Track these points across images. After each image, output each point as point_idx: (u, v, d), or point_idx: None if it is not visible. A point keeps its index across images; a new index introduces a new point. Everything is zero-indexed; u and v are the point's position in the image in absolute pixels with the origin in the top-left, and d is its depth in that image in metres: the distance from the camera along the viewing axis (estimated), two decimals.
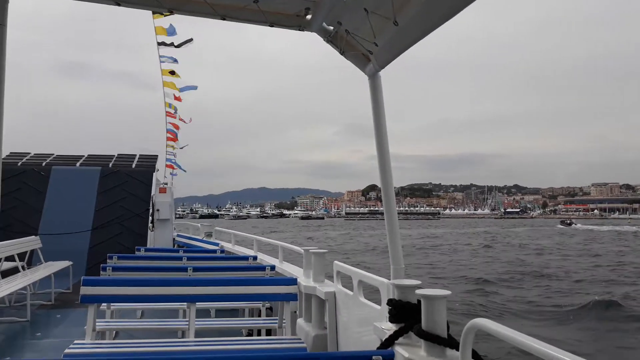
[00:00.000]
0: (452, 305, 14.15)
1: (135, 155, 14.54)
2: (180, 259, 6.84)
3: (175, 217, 16.45)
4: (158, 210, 12.98)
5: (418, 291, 2.71)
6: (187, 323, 4.54)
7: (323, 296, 4.57)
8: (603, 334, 12.62)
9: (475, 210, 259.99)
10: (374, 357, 2.46)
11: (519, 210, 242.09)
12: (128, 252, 8.53)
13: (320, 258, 5.11)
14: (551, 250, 39.29)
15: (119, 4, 2.87)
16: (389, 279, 3.42)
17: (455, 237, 60.09)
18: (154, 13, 14.44)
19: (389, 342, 2.80)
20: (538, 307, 15.84)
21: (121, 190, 12.59)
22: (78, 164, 13.29)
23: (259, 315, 6.10)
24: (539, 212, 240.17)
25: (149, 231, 12.51)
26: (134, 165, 13.53)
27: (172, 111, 17.53)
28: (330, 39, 3.34)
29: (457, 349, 2.37)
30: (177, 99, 17.30)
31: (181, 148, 18.67)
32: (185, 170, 19.16)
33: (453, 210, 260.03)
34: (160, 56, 16.15)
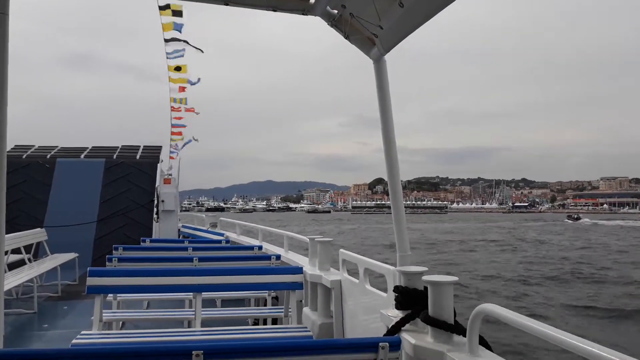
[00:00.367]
0: None
1: (140, 146, 14.55)
2: (185, 249, 6.84)
3: (182, 210, 16.44)
4: (163, 201, 12.98)
5: (425, 277, 2.71)
6: (194, 313, 4.55)
7: (329, 284, 4.55)
8: None
9: (483, 204, 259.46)
10: (380, 344, 2.41)
11: (527, 204, 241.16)
12: (133, 243, 8.55)
13: (326, 246, 5.08)
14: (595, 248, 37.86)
15: None
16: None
17: (481, 232, 58.41)
18: (160, 9, 14.46)
19: (396, 328, 2.80)
20: None
21: (126, 182, 12.62)
22: (82, 156, 13.34)
23: (265, 305, 6.11)
24: (547, 206, 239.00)
25: (154, 222, 12.55)
26: (138, 157, 13.55)
27: (177, 105, 17.49)
28: (334, 22, 3.28)
29: (464, 335, 2.36)
30: (182, 89, 17.24)
31: (195, 140, 18.50)
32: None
33: (461, 204, 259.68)
34: (167, 53, 16.14)
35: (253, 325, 5.85)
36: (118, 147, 14.42)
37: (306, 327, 4.59)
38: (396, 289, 2.99)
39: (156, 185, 12.97)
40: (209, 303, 5.92)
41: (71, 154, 13.45)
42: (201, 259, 5.72)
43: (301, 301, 5.18)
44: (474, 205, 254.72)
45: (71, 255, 8.98)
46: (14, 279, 6.74)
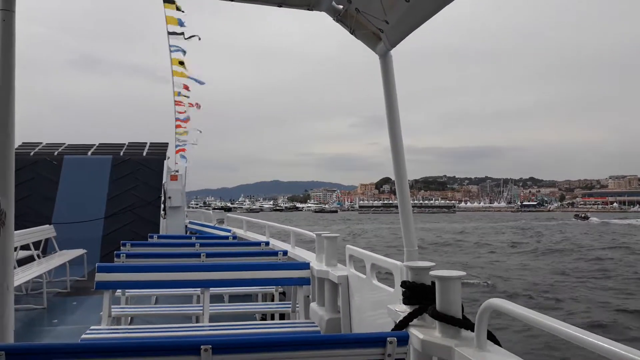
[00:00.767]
0: None
1: (146, 143, 14.62)
2: (193, 245, 6.86)
3: (188, 210, 16.48)
4: (170, 197, 13.02)
5: (432, 272, 2.69)
6: (201, 308, 4.56)
7: (336, 280, 4.55)
8: None
9: (490, 203, 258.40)
10: (388, 339, 2.39)
11: (536, 203, 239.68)
12: (141, 239, 8.60)
13: (333, 242, 5.09)
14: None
15: None
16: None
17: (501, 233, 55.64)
18: (165, 2, 14.50)
19: (403, 323, 2.78)
20: None
21: (133, 179, 12.68)
22: (89, 153, 13.43)
23: (272, 300, 6.13)
24: (556, 205, 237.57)
25: (161, 219, 12.60)
26: (144, 153, 13.63)
27: (181, 99, 17.57)
28: (340, 18, 3.25)
29: (472, 330, 2.34)
30: (186, 87, 17.35)
31: (199, 131, 18.54)
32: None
33: (469, 204, 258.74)
34: (170, 45, 16.22)
35: (260, 320, 5.87)
36: (125, 144, 14.49)
37: (314, 322, 4.59)
38: (403, 284, 2.97)
39: (163, 182, 13.02)
40: (216, 298, 5.92)
41: (78, 151, 13.53)
42: (209, 255, 5.72)
43: (308, 296, 5.19)
44: (482, 204, 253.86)
45: (79, 252, 9.04)
46: (24, 275, 6.79)
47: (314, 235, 5.52)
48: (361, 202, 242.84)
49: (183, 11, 15.27)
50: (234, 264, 4.96)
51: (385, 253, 4.72)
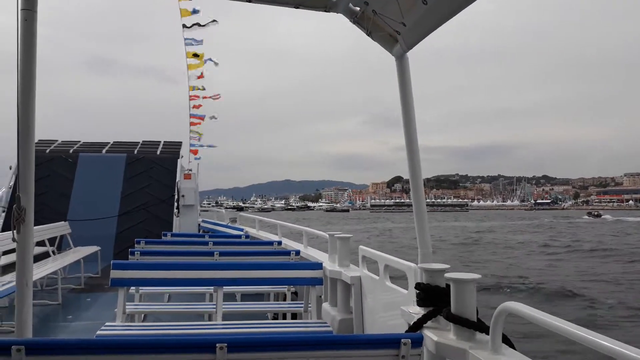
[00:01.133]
0: None
1: (160, 142, 14.75)
2: (206, 243, 6.88)
3: (202, 210, 16.52)
4: (183, 196, 13.09)
5: (447, 274, 2.68)
6: (214, 306, 4.57)
7: (349, 280, 4.53)
8: None
9: (504, 201, 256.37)
10: (403, 340, 2.38)
11: (549, 201, 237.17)
12: (154, 237, 8.60)
13: (345, 243, 5.06)
14: None
15: None
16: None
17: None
18: None
19: (418, 325, 2.76)
20: None
21: (146, 177, 12.78)
22: (104, 151, 13.57)
23: (284, 300, 6.11)
24: (570, 203, 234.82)
25: (174, 217, 12.66)
26: (158, 152, 13.74)
27: (197, 92, 17.52)
28: (357, 19, 3.25)
29: (487, 333, 2.33)
30: (201, 77, 17.27)
31: (211, 118, 18.39)
32: (215, 146, 18.94)
33: (481, 202, 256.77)
34: (185, 39, 16.24)
35: (272, 319, 5.87)
36: (139, 142, 14.62)
37: (326, 323, 4.58)
38: (418, 285, 2.95)
39: (176, 180, 13.09)
40: (228, 297, 5.91)
41: (93, 148, 13.68)
42: (222, 254, 5.73)
43: (321, 297, 5.15)
44: (494, 202, 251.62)
45: (94, 249, 9.12)
46: (39, 271, 6.86)
47: (327, 235, 5.49)
48: (373, 201, 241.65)
49: None
50: (246, 263, 4.96)
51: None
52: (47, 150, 12.97)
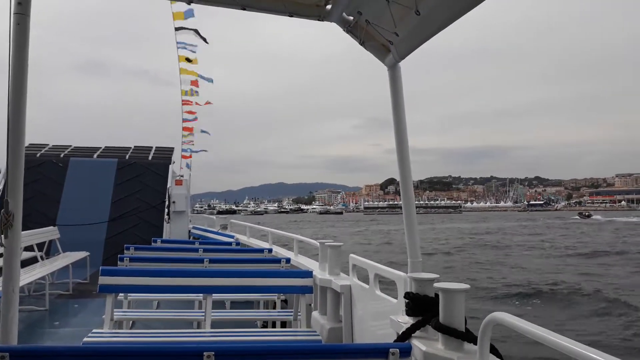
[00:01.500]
0: None
1: (152, 147, 14.67)
2: (196, 250, 6.84)
3: (194, 213, 16.46)
4: (174, 202, 13.05)
5: (437, 284, 2.69)
6: (203, 314, 4.55)
7: (339, 289, 4.52)
8: None
9: (497, 203, 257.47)
10: (391, 350, 2.36)
11: (542, 202, 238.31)
12: (144, 243, 8.56)
13: (336, 251, 5.05)
14: None
15: None
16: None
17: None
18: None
19: (406, 335, 2.78)
20: None
21: (137, 182, 12.72)
22: (95, 156, 13.46)
23: (274, 308, 6.09)
24: (563, 204, 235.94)
25: (164, 223, 12.59)
26: (150, 157, 13.66)
27: (189, 98, 17.42)
28: (350, 29, 3.28)
29: (475, 343, 2.35)
30: (194, 83, 17.17)
31: (202, 132, 18.39)
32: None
33: (475, 204, 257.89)
34: (177, 42, 16.11)
35: (262, 327, 5.85)
36: (131, 147, 14.53)
37: (315, 331, 4.56)
38: (407, 295, 2.96)
39: (168, 186, 13.03)
40: (218, 304, 5.90)
41: (84, 153, 13.57)
42: (212, 261, 5.71)
43: (310, 305, 5.15)
44: (488, 204, 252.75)
45: (82, 254, 9.04)
46: (27, 276, 6.78)
47: (318, 243, 5.47)
48: (366, 203, 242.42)
49: (189, 3, 15.18)
50: (237, 271, 4.94)
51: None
52: (38, 155, 12.86)
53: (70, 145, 14.17)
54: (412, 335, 2.77)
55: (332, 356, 2.38)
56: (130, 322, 5.51)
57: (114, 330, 4.34)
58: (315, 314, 4.99)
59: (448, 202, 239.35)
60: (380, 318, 3.72)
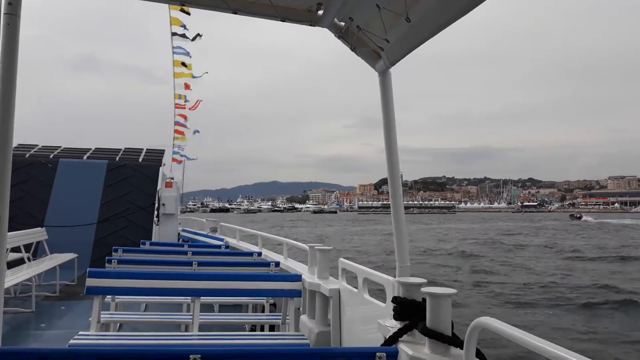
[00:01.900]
0: None
1: (142, 149, 14.63)
2: (185, 253, 6.86)
3: (186, 211, 16.40)
4: (164, 204, 13.00)
5: (423, 289, 2.71)
6: (191, 317, 4.55)
7: (327, 293, 4.52)
8: None
9: (490, 204, 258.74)
10: (377, 354, 2.45)
11: (536, 203, 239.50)
12: (133, 245, 8.60)
13: (325, 255, 5.05)
14: None
15: None
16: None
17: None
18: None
19: (393, 339, 2.79)
20: None
21: (127, 184, 12.63)
22: (85, 157, 13.36)
23: (263, 311, 6.09)
24: (557, 205, 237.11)
25: (154, 225, 12.56)
26: (140, 159, 13.58)
27: (182, 102, 17.50)
28: (341, 34, 3.30)
29: (461, 348, 2.36)
30: (187, 86, 17.26)
31: (194, 133, 18.52)
32: (195, 159, 19.01)
33: (469, 204, 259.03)
34: (173, 47, 16.16)
35: (250, 331, 5.84)
36: (121, 149, 14.46)
37: (303, 335, 4.56)
38: (394, 299, 2.97)
39: (158, 189, 12.97)
40: (206, 308, 5.90)
41: (74, 154, 13.47)
42: (200, 264, 5.72)
43: (299, 309, 5.15)
44: (482, 205, 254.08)
45: (70, 256, 8.96)
46: (13, 278, 6.71)
47: (307, 247, 5.48)
48: (360, 202, 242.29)
49: (189, 13, 15.25)
50: (225, 274, 4.92)
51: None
52: (27, 155, 12.75)
53: (60, 146, 14.08)
54: (399, 339, 2.77)
55: None
56: (118, 324, 5.48)
57: (100, 333, 4.32)
58: (303, 317, 4.98)
59: (442, 202, 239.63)
60: (369, 322, 3.72)
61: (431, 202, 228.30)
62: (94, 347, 3.77)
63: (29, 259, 8.52)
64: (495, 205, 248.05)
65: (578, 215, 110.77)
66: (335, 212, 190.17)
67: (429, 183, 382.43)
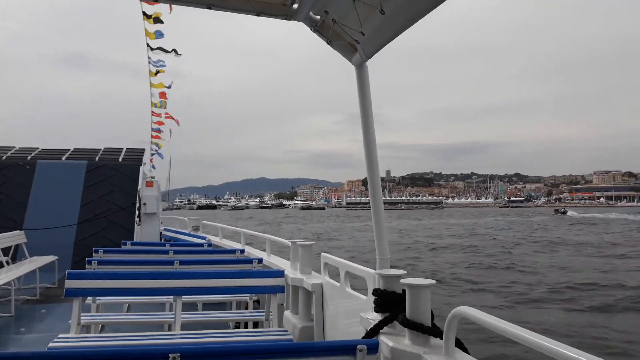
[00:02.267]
0: None
1: (122, 148, 14.44)
2: (167, 252, 6.82)
3: (173, 208, 16.32)
4: (145, 204, 12.88)
5: (403, 280, 2.74)
6: (174, 316, 4.53)
7: (310, 288, 4.54)
8: None
9: (478, 199, 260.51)
10: (358, 347, 2.44)
11: (523, 198, 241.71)
12: (114, 246, 8.54)
13: (307, 250, 5.06)
14: None
15: None
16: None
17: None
18: (145, 16, 14.54)
19: (374, 331, 2.83)
20: None
21: (107, 184, 12.46)
22: (64, 158, 13.16)
23: (246, 308, 6.08)
24: (544, 200, 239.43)
25: (135, 225, 12.45)
26: (120, 159, 13.41)
27: (158, 110, 17.72)
28: (317, 28, 3.29)
29: (441, 338, 2.40)
30: (162, 95, 17.42)
31: (170, 135, 18.70)
32: (162, 158, 19.18)
33: (456, 199, 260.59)
34: (149, 58, 16.21)
35: (234, 329, 5.80)
36: (100, 149, 14.27)
37: (287, 331, 4.56)
38: (375, 291, 3.00)
39: (138, 188, 12.86)
40: (190, 306, 5.88)
41: (52, 155, 13.26)
42: (182, 262, 5.71)
43: (282, 305, 5.17)
44: (469, 200, 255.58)
45: (50, 258, 8.83)
46: None
47: (289, 242, 5.48)
48: (348, 198, 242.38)
49: (163, 22, 15.22)
50: (207, 272, 4.91)
51: None
52: (4, 157, 12.50)
53: (38, 148, 13.86)
54: (380, 331, 2.81)
55: (301, 355, 2.40)
56: (99, 326, 5.42)
57: (81, 335, 4.27)
58: (287, 313, 5.00)
59: (430, 197, 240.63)
60: (351, 315, 3.75)
61: (419, 198, 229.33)
62: (72, 349, 3.73)
63: (7, 263, 8.33)
64: (483, 200, 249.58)
65: (562, 210, 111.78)
66: (324, 209, 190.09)
67: (417, 179, 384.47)
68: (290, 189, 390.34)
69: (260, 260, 5.95)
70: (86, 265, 5.46)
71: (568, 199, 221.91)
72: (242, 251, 7.09)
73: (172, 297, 5.11)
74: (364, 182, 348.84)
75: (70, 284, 4.20)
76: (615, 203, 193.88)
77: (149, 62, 16.30)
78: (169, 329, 5.05)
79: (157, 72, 16.57)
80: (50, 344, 3.76)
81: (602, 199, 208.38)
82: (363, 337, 2.83)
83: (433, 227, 56.77)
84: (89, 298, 5.27)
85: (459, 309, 2.22)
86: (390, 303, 2.87)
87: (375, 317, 2.95)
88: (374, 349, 2.47)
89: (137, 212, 12.59)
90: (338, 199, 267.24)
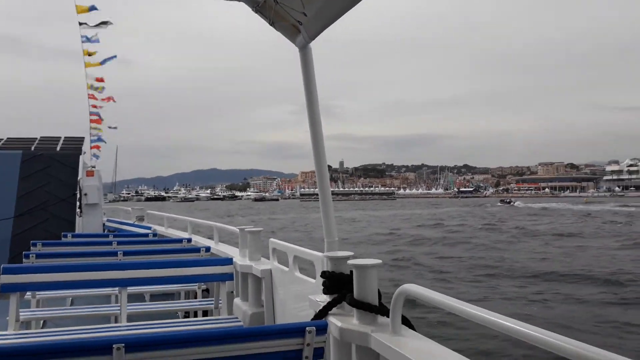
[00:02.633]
0: None
1: (60, 137, 13.84)
2: (110, 243, 6.71)
3: (120, 200, 15.84)
4: (86, 194, 12.48)
5: (350, 261, 2.77)
6: (119, 308, 4.47)
7: (259, 274, 4.53)
8: None
9: (428, 190, 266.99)
10: (307, 329, 2.47)
11: (472, 189, 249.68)
12: (55, 239, 8.16)
13: (256, 236, 5.03)
14: None
15: None
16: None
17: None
18: None
19: (323, 313, 2.85)
20: None
21: (45, 175, 11.87)
22: None
23: (196, 298, 6.03)
24: (492, 191, 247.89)
25: (77, 217, 11.97)
26: (58, 148, 12.85)
27: (95, 93, 17.01)
28: (259, 8, 3.19)
29: (388, 316, 2.44)
30: (99, 79, 16.78)
31: (110, 127, 18.18)
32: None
33: (407, 190, 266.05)
34: (81, 36, 15.49)
35: (183, 318, 5.71)
36: (36, 138, 13.61)
37: (237, 318, 4.56)
38: (323, 274, 3.02)
39: (78, 178, 12.35)
40: (137, 298, 5.77)
41: None
42: (126, 253, 5.61)
43: (232, 292, 5.12)
44: (420, 191, 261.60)
45: None
46: None
47: (237, 229, 5.44)
48: (302, 190, 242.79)
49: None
50: (153, 262, 4.85)
51: None
52: None
53: None
54: (329, 312, 2.83)
55: (250, 339, 2.39)
56: (41, 322, 5.25)
57: (19, 332, 4.13)
58: (237, 300, 4.96)
59: (382, 189, 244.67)
60: (301, 299, 3.77)
61: (372, 189, 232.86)
62: (8, 346, 3.53)
63: None
64: (433, 191, 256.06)
65: (508, 200, 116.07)
66: (277, 200, 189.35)
67: (370, 170, 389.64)
68: (242, 180, 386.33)
69: (208, 249, 5.90)
70: (23, 260, 5.27)
71: (515, 190, 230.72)
72: (189, 240, 7.01)
73: (117, 289, 5.02)
74: None
75: (5, 279, 4.07)
76: (559, 193, 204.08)
77: (82, 41, 15.61)
78: (115, 322, 4.96)
79: (91, 54, 15.91)
80: None
81: (547, 189, 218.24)
82: (312, 319, 2.85)
83: (395, 217, 58.07)
84: (28, 293, 5.09)
85: (404, 287, 2.25)
86: (338, 285, 2.89)
87: (324, 299, 2.97)
88: (322, 329, 2.50)
89: (77, 203, 12.10)
90: (292, 190, 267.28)
